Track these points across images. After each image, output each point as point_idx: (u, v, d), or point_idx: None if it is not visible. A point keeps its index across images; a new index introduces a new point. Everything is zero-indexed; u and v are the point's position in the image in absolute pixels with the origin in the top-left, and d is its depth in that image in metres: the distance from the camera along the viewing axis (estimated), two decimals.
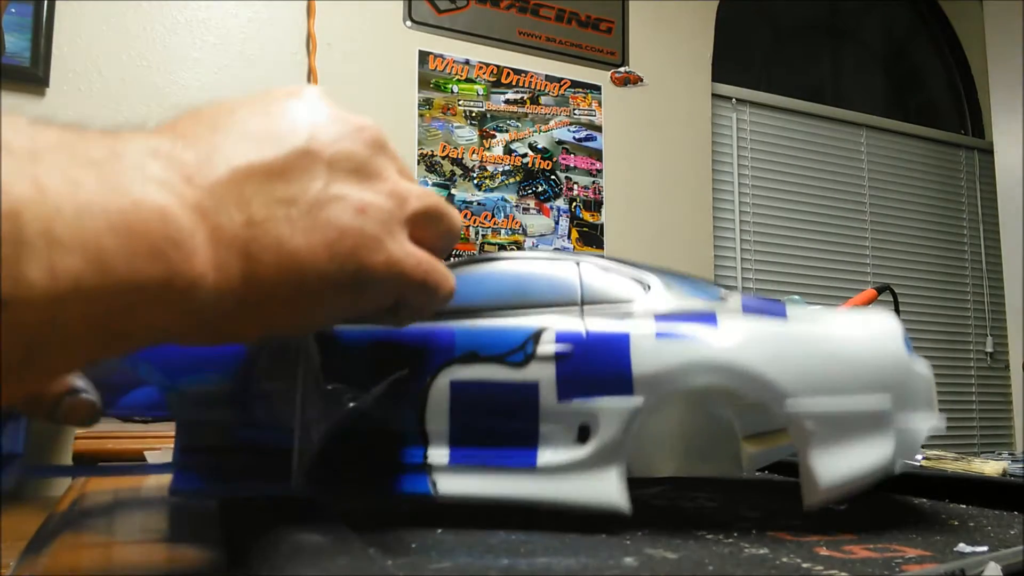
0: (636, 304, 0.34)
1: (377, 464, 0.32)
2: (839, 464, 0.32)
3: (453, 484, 0.32)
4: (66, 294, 0.18)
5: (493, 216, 2.16)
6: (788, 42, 2.94)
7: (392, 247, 0.26)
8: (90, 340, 0.20)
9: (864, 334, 0.34)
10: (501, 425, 0.32)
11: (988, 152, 3.04)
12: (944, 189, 3.06)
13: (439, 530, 0.31)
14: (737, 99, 2.67)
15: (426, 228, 0.28)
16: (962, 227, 3.08)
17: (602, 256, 0.37)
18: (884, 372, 0.33)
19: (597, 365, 0.32)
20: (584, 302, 0.34)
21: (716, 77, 2.60)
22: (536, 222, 2.24)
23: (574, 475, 0.32)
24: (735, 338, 0.32)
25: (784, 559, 0.28)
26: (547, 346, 0.32)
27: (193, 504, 0.38)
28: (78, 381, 0.31)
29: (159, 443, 0.32)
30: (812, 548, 0.29)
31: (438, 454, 0.32)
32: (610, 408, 0.32)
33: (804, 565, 0.27)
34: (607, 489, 0.32)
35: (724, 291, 0.36)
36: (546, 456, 0.32)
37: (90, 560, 0.30)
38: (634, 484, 0.46)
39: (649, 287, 0.35)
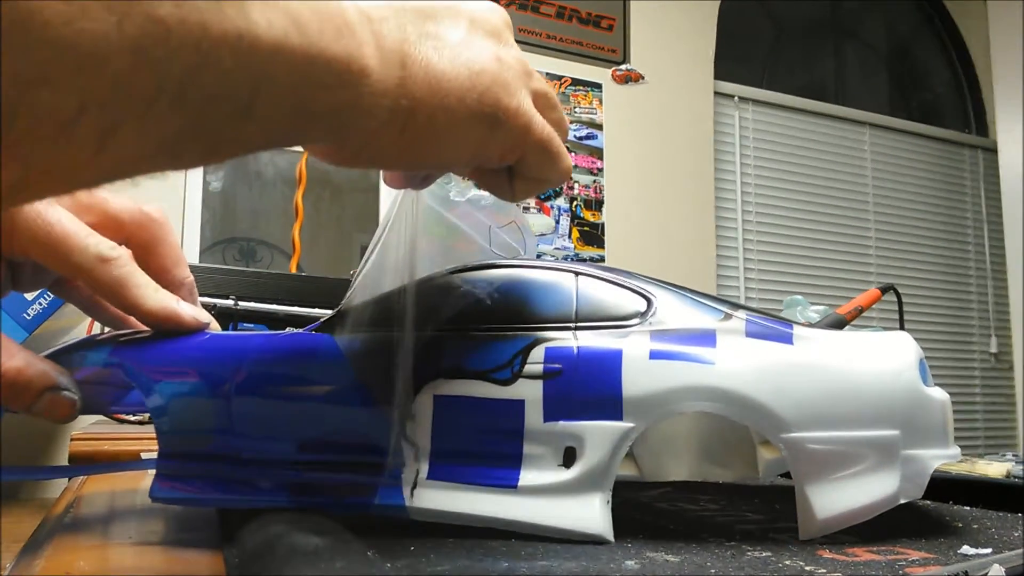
0: (633, 321, 0.32)
1: (354, 475, 0.31)
2: (838, 497, 0.30)
3: (430, 499, 0.31)
4: (278, 46, 0.19)
5: None
6: (791, 39, 2.94)
7: (523, 98, 0.28)
8: (288, 106, 0.21)
9: (875, 366, 0.32)
10: (483, 443, 0.31)
11: (992, 151, 3.03)
12: (948, 188, 3.05)
13: (439, 532, 0.30)
14: (739, 97, 2.67)
15: (543, 110, 0.30)
16: (966, 226, 3.07)
17: (603, 267, 0.35)
18: (894, 407, 0.31)
19: (586, 386, 0.31)
20: (579, 317, 0.32)
21: (718, 74, 2.60)
22: (537, 221, 2.24)
23: (556, 499, 0.30)
24: (735, 363, 0.30)
25: (787, 562, 0.27)
26: (535, 365, 0.31)
27: (190, 506, 0.38)
28: (61, 378, 0.31)
29: (156, 444, 0.32)
30: (815, 551, 0.29)
31: (417, 468, 0.31)
32: (597, 432, 0.30)
33: (807, 568, 0.27)
34: (590, 515, 0.30)
35: (729, 308, 0.34)
36: (528, 477, 0.31)
37: (87, 561, 0.30)
38: (636, 487, 0.46)
39: (650, 302, 0.33)
